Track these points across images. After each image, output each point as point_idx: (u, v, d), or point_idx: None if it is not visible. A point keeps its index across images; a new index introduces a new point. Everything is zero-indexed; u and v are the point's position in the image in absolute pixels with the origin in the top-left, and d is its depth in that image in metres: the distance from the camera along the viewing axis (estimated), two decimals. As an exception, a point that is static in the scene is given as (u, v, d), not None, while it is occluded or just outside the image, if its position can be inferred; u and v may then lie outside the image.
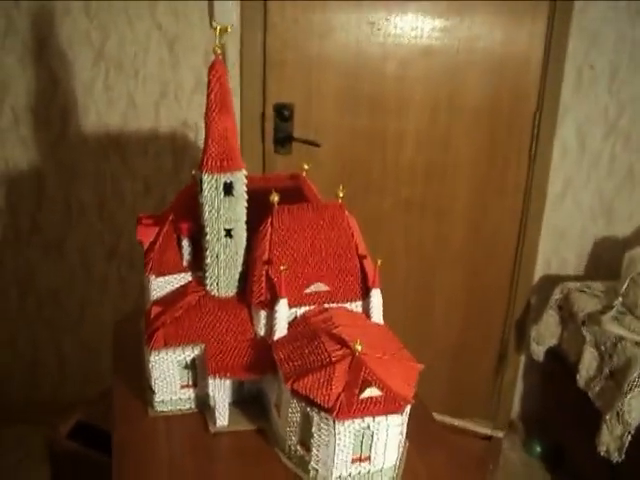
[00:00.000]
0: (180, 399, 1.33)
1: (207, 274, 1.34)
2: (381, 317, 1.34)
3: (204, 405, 1.33)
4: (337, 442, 1.09)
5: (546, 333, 2.49)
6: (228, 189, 1.27)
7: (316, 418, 1.10)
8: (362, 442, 1.12)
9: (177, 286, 1.40)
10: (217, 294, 1.34)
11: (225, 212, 1.28)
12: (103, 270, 2.52)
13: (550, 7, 2.36)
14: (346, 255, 1.34)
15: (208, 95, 1.24)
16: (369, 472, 1.15)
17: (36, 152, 2.33)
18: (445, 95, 2.42)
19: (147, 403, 1.34)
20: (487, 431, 1.46)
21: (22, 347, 2.62)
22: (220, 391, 1.26)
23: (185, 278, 1.40)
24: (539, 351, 2.55)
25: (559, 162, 2.55)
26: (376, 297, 1.33)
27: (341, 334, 1.21)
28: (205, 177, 1.26)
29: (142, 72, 2.27)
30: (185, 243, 1.38)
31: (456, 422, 1.33)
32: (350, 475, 1.14)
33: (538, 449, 2.60)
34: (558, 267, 2.71)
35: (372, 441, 1.12)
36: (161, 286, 1.39)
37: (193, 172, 1.59)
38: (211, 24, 2.21)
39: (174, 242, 1.40)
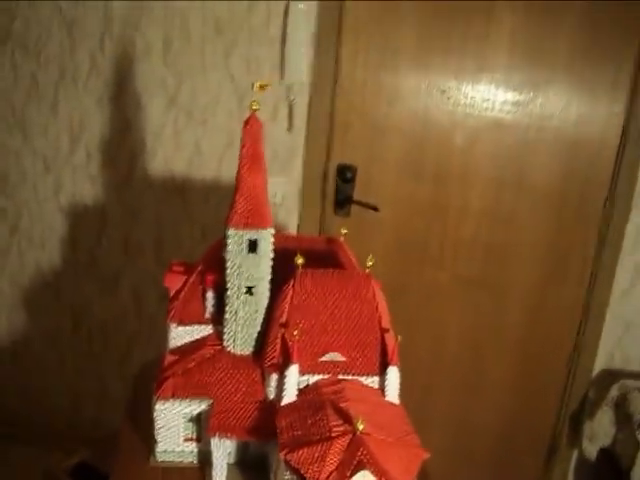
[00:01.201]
0: (183, 451, 1.31)
1: (225, 329, 1.32)
2: (396, 396, 1.28)
3: (206, 461, 1.30)
4: (324, 523, 1.04)
5: (600, 432, 2.34)
6: (252, 246, 1.26)
7: (305, 495, 1.05)
8: (350, 528, 1.06)
9: (197, 337, 1.39)
10: (233, 351, 1.32)
11: (247, 269, 1.27)
12: (154, 311, 2.56)
13: (631, 86, 2.27)
14: (367, 327, 1.30)
15: (240, 150, 1.25)
16: None
17: (102, 190, 2.42)
18: (513, 172, 2.35)
19: (150, 451, 1.32)
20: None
21: (68, 375, 2.68)
22: (219, 450, 1.23)
23: (206, 330, 1.39)
24: (591, 450, 2.39)
25: (630, 251, 2.42)
26: (393, 374, 1.27)
27: (348, 409, 1.16)
28: (230, 232, 1.26)
29: (211, 121, 2.33)
30: (210, 295, 1.38)
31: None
32: None
33: None
34: (621, 362, 2.55)
35: (362, 527, 1.06)
36: (180, 335, 1.39)
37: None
38: (281, 80, 2.25)
39: (199, 293, 1.40)
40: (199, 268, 1.41)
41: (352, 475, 1.03)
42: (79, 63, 2.36)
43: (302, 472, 1.05)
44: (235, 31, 2.24)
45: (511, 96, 2.28)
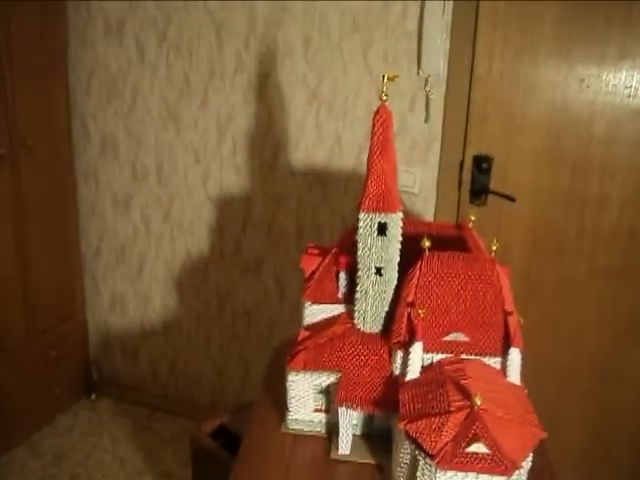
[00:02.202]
0: (312, 421, 1.40)
1: (356, 308, 1.40)
2: (518, 377, 1.30)
3: (333, 431, 1.39)
4: (439, 491, 1.09)
5: None
6: (382, 229, 1.33)
7: (421, 462, 1.11)
8: (464, 496, 1.11)
9: (329, 315, 1.48)
10: (363, 328, 1.40)
11: (377, 251, 1.34)
12: (295, 296, 2.69)
13: None
14: (491, 309, 1.33)
15: (371, 138, 1.32)
16: (472, 529, 1.12)
17: (247, 180, 2.59)
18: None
19: (282, 419, 1.43)
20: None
21: (214, 353, 2.89)
22: (345, 420, 1.31)
23: (338, 309, 1.48)
24: None
25: None
26: (515, 355, 1.29)
27: (467, 386, 1.20)
28: (361, 216, 1.33)
29: (350, 115, 2.42)
30: (342, 276, 1.46)
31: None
32: (451, 528, 1.12)
33: None
34: None
35: (476, 498, 1.10)
36: (314, 313, 1.48)
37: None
38: (418, 72, 2.30)
39: (332, 274, 1.48)
40: (333, 251, 1.50)
41: (467, 447, 1.08)
42: (226, 62, 2.54)
43: (419, 441, 1.12)
44: (372, 28, 2.32)
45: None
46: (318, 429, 1.41)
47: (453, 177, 2.41)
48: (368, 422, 1.39)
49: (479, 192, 2.40)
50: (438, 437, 1.10)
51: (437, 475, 1.08)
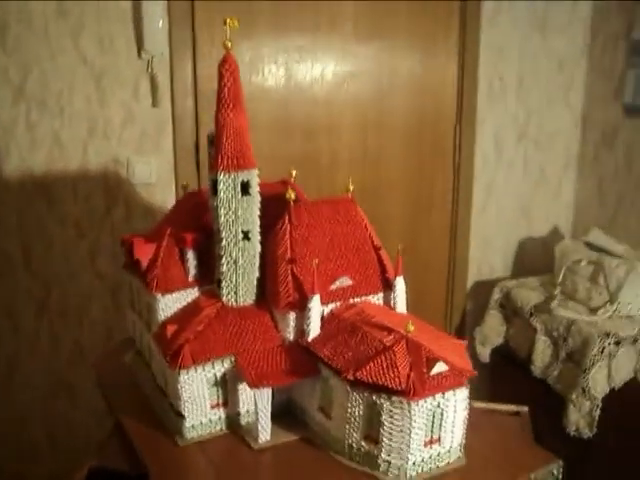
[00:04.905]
0: (210, 420, 1.23)
1: (223, 283, 1.26)
2: (404, 306, 1.32)
3: (236, 424, 1.25)
4: (412, 425, 1.06)
5: (491, 333, 2.57)
6: (245, 188, 1.22)
7: (386, 405, 1.06)
8: (433, 423, 1.09)
9: (184, 303, 1.32)
10: (235, 304, 1.28)
11: (243, 213, 1.23)
12: (31, 327, 2.31)
13: (460, 28, 2.54)
14: (363, 248, 1.32)
15: (220, 91, 1.20)
16: (439, 454, 1.12)
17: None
18: (373, 116, 2.50)
19: (173, 432, 1.23)
20: (512, 408, 1.48)
21: None
22: (263, 402, 1.18)
23: (192, 294, 1.33)
24: (485, 352, 2.61)
25: (481, 171, 2.69)
26: (400, 285, 1.31)
27: (382, 322, 1.18)
28: (221, 177, 1.21)
29: (68, 109, 2.14)
30: (190, 256, 1.31)
31: (479, 404, 1.33)
32: (423, 460, 1.10)
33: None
34: (488, 272, 2.83)
35: (442, 421, 1.10)
36: (169, 304, 1.31)
37: (184, 183, 1.53)
38: (140, 55, 2.14)
39: (176, 257, 1.32)
40: (168, 232, 1.33)
41: (430, 370, 1.07)
42: None
43: (381, 382, 1.06)
44: (81, 11, 2.08)
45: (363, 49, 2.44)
46: (219, 427, 1.24)
47: (190, 160, 2.31)
48: (267, 401, 1.27)
49: (220, 170, 2.34)
50: (397, 372, 1.06)
51: (412, 408, 1.04)
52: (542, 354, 2.31)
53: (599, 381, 2.09)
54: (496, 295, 2.58)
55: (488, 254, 2.81)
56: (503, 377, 2.62)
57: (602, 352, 2.11)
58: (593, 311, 2.27)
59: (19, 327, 2.28)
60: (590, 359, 2.10)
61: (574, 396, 2.12)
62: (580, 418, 2.12)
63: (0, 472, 2.39)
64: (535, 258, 2.86)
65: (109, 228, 2.27)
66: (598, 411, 2.09)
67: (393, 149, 2.54)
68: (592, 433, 2.10)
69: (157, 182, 2.29)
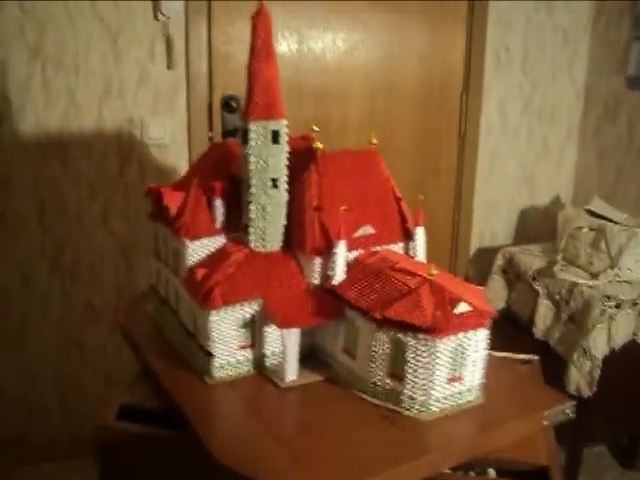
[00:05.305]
0: (238, 361, 1.28)
1: (251, 229, 1.30)
2: (424, 255, 1.38)
3: (262, 366, 1.29)
4: (436, 361, 1.11)
5: (494, 298, 2.62)
6: (274, 137, 1.26)
7: (412, 342, 1.11)
8: (455, 361, 1.14)
9: (212, 250, 1.36)
10: (262, 249, 1.31)
11: (272, 161, 1.27)
12: (44, 286, 2.35)
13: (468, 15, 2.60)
14: (385, 198, 1.37)
15: (253, 42, 1.23)
16: (460, 392, 1.17)
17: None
18: (383, 83, 2.55)
19: (202, 372, 1.27)
20: (524, 357, 1.54)
21: None
22: (291, 342, 1.23)
23: (219, 241, 1.36)
24: (487, 318, 2.67)
25: (485, 139, 2.73)
26: (420, 235, 1.36)
27: (405, 267, 1.23)
28: (252, 127, 1.24)
29: (83, 68, 2.16)
30: (218, 203, 1.35)
31: (491, 352, 1.39)
32: (445, 397, 1.15)
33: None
34: (490, 239, 2.88)
35: (463, 359, 1.15)
36: (197, 250, 1.35)
37: (209, 134, 1.56)
38: (157, 16, 2.16)
39: (204, 205, 1.36)
40: (195, 181, 1.37)
41: (453, 309, 1.12)
42: None
43: (408, 320, 1.11)
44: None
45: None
46: (247, 369, 1.29)
47: (203, 122, 2.34)
48: (291, 344, 1.32)
49: (231, 133, 2.37)
50: (422, 311, 1.11)
51: (437, 344, 1.09)
52: (544, 317, 2.37)
53: (599, 342, 2.16)
54: (499, 261, 2.64)
55: (491, 221, 2.86)
56: (505, 339, 2.68)
57: (603, 314, 2.17)
58: (594, 276, 2.33)
59: (32, 285, 2.32)
60: (591, 321, 2.16)
61: (575, 357, 2.19)
62: (580, 378, 2.19)
63: (9, 430, 2.43)
64: (537, 226, 2.92)
65: (122, 188, 2.31)
66: (598, 371, 2.16)
67: (401, 115, 2.58)
68: (592, 392, 2.18)
69: (171, 143, 2.32)
